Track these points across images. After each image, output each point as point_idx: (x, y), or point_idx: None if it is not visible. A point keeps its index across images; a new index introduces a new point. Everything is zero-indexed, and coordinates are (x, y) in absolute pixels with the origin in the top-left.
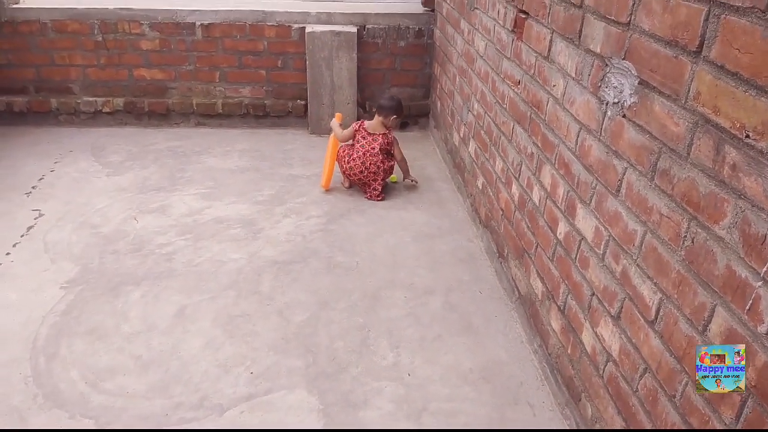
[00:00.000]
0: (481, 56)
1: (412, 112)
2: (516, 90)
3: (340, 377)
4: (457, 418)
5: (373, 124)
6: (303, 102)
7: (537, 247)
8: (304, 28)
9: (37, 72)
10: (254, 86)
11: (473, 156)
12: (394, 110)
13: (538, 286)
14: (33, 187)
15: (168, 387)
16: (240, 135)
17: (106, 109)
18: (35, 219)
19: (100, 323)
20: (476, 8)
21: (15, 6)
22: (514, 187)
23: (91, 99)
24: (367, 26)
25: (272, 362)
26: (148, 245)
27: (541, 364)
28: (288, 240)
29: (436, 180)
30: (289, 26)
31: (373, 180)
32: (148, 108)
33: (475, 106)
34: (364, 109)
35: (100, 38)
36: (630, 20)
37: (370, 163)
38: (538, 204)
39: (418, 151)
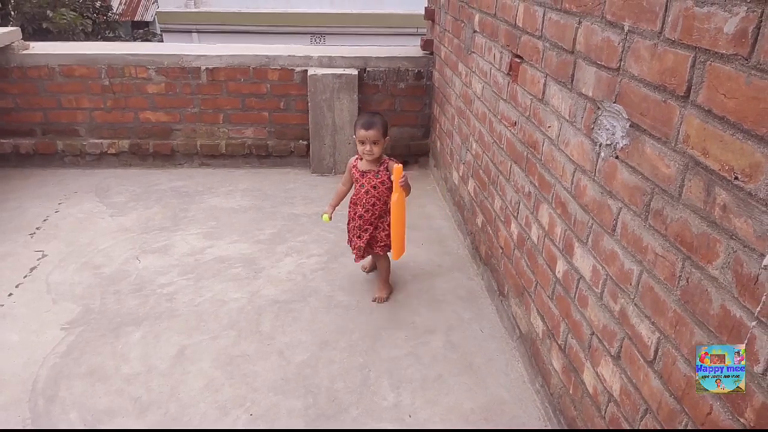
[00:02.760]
0: (479, 97)
1: (413, 151)
2: (513, 131)
3: (340, 418)
4: None
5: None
6: (305, 142)
7: (536, 285)
8: (306, 71)
9: (45, 115)
10: (257, 127)
11: (472, 194)
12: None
13: (538, 325)
14: (37, 228)
15: (167, 429)
16: (243, 175)
17: (112, 151)
18: (38, 260)
19: (100, 364)
20: (473, 52)
21: (25, 52)
22: (513, 226)
23: (96, 141)
24: (367, 69)
25: (272, 403)
26: (150, 285)
27: (543, 405)
28: (289, 279)
29: (436, 218)
30: (291, 69)
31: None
32: (152, 149)
33: (474, 145)
34: None
35: (107, 82)
36: (620, 65)
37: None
38: (536, 242)
39: (419, 190)
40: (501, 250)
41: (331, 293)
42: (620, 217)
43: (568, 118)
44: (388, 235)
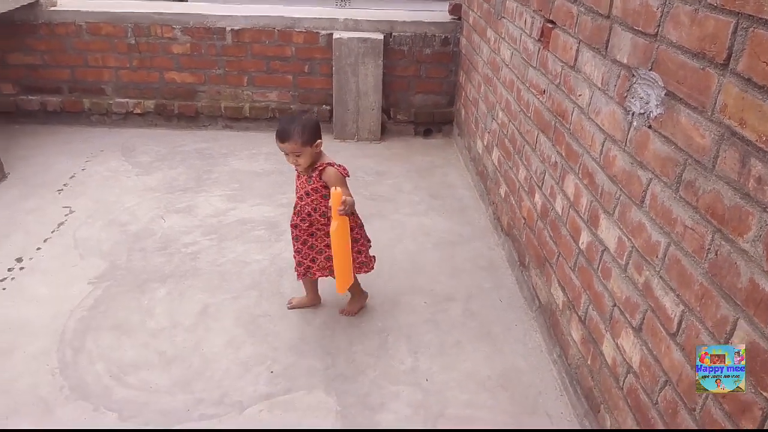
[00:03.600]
0: (507, 65)
1: (436, 120)
2: (541, 99)
3: (358, 380)
4: (474, 425)
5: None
6: (328, 107)
7: (559, 256)
8: (331, 34)
9: (72, 72)
10: (281, 91)
11: (496, 164)
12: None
13: (559, 296)
14: (64, 185)
15: (190, 383)
16: (266, 138)
17: (137, 111)
18: (66, 215)
19: (126, 319)
20: (503, 17)
21: (52, 9)
22: (537, 196)
23: (122, 100)
24: (393, 34)
25: (291, 362)
26: (174, 244)
27: (560, 374)
28: None
29: (458, 187)
30: (317, 32)
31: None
32: (177, 110)
33: (500, 114)
34: (388, 116)
35: (133, 41)
36: (657, 31)
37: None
38: (560, 213)
39: (442, 159)
40: (523, 221)
41: None
42: (650, 188)
43: (600, 86)
44: (330, 259)
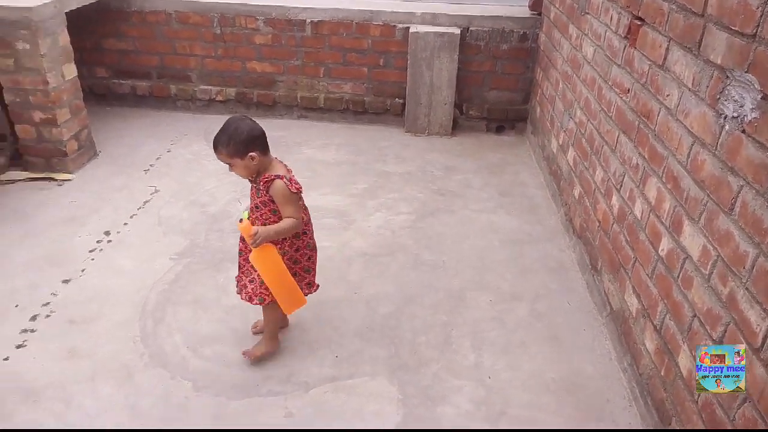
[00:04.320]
0: (589, 62)
1: (510, 116)
2: (624, 98)
3: (420, 371)
4: (536, 426)
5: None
6: (401, 101)
7: (635, 262)
8: (408, 28)
9: (160, 59)
10: (356, 83)
11: (571, 164)
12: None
13: (633, 303)
14: (151, 165)
15: (259, 359)
16: (338, 129)
17: (219, 98)
18: (151, 194)
19: (203, 295)
20: (587, 13)
21: None
22: (614, 199)
23: (206, 87)
24: (470, 28)
25: (356, 349)
26: None
27: (629, 384)
28: (378, 233)
29: (529, 186)
30: (393, 26)
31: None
32: (256, 99)
33: (578, 113)
34: (460, 111)
35: (219, 31)
36: (756, 32)
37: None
38: (639, 218)
39: (513, 156)
40: (598, 224)
41: (418, 251)
42: (740, 196)
43: (690, 86)
44: (257, 284)
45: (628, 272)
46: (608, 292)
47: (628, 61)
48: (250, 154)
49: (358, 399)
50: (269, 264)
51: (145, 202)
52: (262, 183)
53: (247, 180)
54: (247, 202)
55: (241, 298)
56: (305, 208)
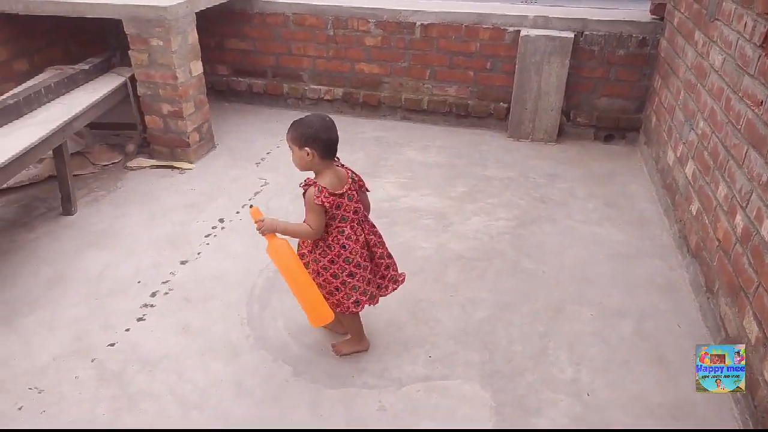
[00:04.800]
0: (716, 71)
1: (621, 125)
2: (756, 111)
3: (515, 380)
4: None
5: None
6: (505, 105)
7: (758, 286)
8: (518, 31)
9: (276, 59)
10: (460, 86)
11: (689, 178)
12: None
13: (752, 330)
14: (262, 159)
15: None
16: (440, 132)
17: (327, 97)
18: (261, 186)
19: None
20: (717, 19)
21: (266, 0)
22: (739, 218)
23: (316, 87)
24: (585, 32)
25: (450, 351)
26: None
27: (742, 415)
28: (475, 237)
29: (639, 199)
30: (503, 29)
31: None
32: (362, 99)
33: (701, 124)
34: (567, 118)
35: (332, 33)
36: None
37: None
38: (767, 239)
39: (622, 167)
40: (717, 243)
41: (517, 258)
42: None
43: None
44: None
45: (749, 297)
46: (725, 316)
47: (762, 72)
48: (307, 148)
49: (450, 401)
50: (284, 259)
51: (256, 193)
52: (303, 184)
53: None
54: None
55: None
56: (367, 226)
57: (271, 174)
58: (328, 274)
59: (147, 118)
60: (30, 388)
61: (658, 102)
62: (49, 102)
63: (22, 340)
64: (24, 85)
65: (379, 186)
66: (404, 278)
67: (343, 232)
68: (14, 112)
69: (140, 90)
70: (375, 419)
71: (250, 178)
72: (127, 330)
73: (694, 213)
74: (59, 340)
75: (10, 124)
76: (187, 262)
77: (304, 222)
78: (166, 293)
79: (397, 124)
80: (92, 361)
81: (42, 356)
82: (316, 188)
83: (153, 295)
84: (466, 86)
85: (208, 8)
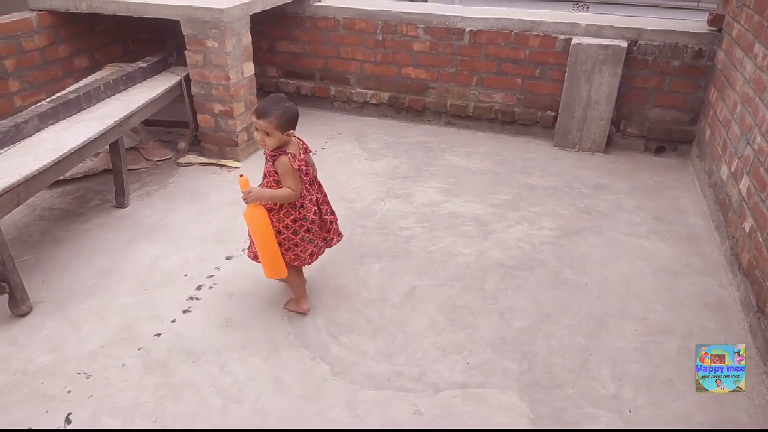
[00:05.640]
0: None
1: (673, 137)
2: None
3: (554, 392)
4: None
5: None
6: (553, 113)
7: None
8: (570, 39)
9: (325, 62)
10: (507, 93)
11: (744, 194)
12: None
13: None
14: None
15: (393, 355)
16: (484, 138)
17: (373, 101)
18: None
19: (345, 285)
20: None
21: (317, 4)
22: None
23: (362, 91)
24: (639, 42)
25: (488, 359)
26: (391, 226)
27: None
28: (517, 246)
29: (690, 214)
30: (555, 37)
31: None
32: (407, 104)
33: (758, 139)
34: (616, 128)
35: (380, 37)
36: None
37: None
38: None
39: (673, 180)
40: None
41: (559, 269)
42: None
43: None
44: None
45: None
46: None
47: None
48: (289, 131)
49: (487, 409)
50: (258, 223)
51: None
52: (270, 155)
53: (260, 147)
54: (388, 201)
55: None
56: (315, 186)
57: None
58: (289, 232)
59: (199, 116)
60: (79, 373)
61: (713, 115)
62: (107, 98)
63: (73, 326)
64: (84, 81)
65: (421, 190)
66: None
67: (302, 193)
68: (74, 107)
69: (194, 89)
70: (410, 423)
71: None
72: (173, 321)
73: (748, 230)
74: (108, 328)
75: (70, 117)
76: (231, 258)
77: (285, 187)
78: (211, 287)
79: (441, 129)
80: (139, 349)
81: (91, 343)
82: (288, 156)
83: (199, 288)
84: (513, 93)
85: (262, 11)
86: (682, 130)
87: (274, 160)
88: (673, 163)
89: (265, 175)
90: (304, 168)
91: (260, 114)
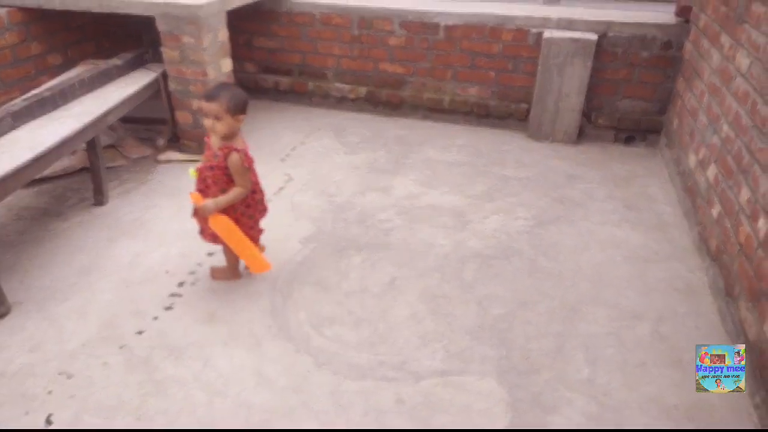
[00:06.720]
0: (743, 75)
1: (642, 127)
2: None
3: (531, 377)
4: None
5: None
6: (526, 106)
7: None
8: (541, 33)
9: (303, 58)
10: (481, 86)
11: (711, 181)
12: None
13: None
14: (287, 155)
15: (375, 345)
16: (460, 131)
17: (351, 96)
18: (286, 182)
19: (326, 278)
20: (745, 21)
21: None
22: (761, 222)
23: (340, 86)
24: (608, 34)
25: (467, 345)
26: (371, 219)
27: (762, 422)
28: (493, 236)
29: (659, 202)
30: (527, 30)
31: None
32: (384, 98)
33: (725, 128)
34: (588, 119)
35: (357, 32)
36: None
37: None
38: None
39: (643, 169)
40: (739, 247)
41: (534, 257)
42: None
43: None
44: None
45: None
46: (744, 321)
47: None
48: (240, 116)
49: (467, 396)
50: (226, 231)
51: (280, 189)
52: (221, 151)
53: (209, 133)
54: (368, 194)
55: (206, 240)
56: (254, 172)
57: (295, 170)
58: (245, 217)
59: (177, 113)
60: (60, 373)
61: (681, 105)
62: (83, 95)
63: (54, 325)
64: (59, 79)
65: (400, 183)
66: None
67: (252, 180)
68: (50, 105)
69: (171, 86)
70: (393, 412)
71: (274, 173)
72: (155, 318)
73: (715, 216)
74: (90, 326)
75: (46, 116)
76: (213, 254)
77: (234, 186)
78: (193, 283)
79: (418, 123)
80: (121, 347)
81: (73, 342)
82: (239, 153)
83: (180, 284)
84: (487, 87)
85: (238, 6)
86: (651, 120)
87: (226, 157)
88: (642, 153)
89: (212, 167)
90: (252, 162)
91: (209, 97)
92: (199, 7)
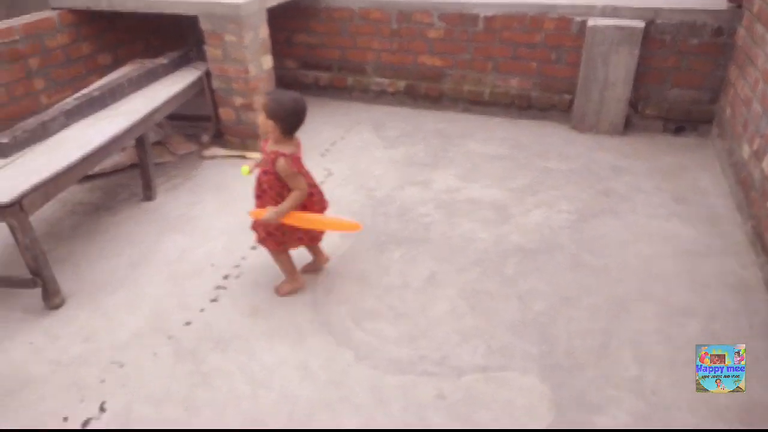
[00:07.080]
0: None
1: (692, 117)
2: None
3: (575, 374)
4: None
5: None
6: (569, 97)
7: None
8: (585, 21)
9: (342, 53)
10: (523, 78)
11: (766, 173)
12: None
13: None
14: (327, 150)
15: (415, 339)
16: (501, 123)
17: (390, 90)
18: (326, 176)
19: (366, 272)
20: None
21: None
22: None
23: (380, 80)
24: (656, 21)
25: (508, 342)
26: (411, 213)
27: None
28: (536, 230)
29: (710, 194)
30: (570, 19)
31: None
32: (424, 91)
33: None
34: (635, 109)
35: (396, 26)
36: None
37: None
38: None
39: (693, 161)
40: None
41: (577, 252)
42: None
43: None
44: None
45: None
46: None
47: None
48: (271, 122)
49: (509, 392)
50: (299, 222)
51: (321, 184)
52: (269, 156)
53: (264, 146)
54: (408, 188)
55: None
56: (308, 175)
57: (335, 165)
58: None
59: (221, 110)
60: (112, 363)
61: (733, 93)
62: (131, 94)
63: (106, 317)
64: (108, 78)
65: (440, 177)
66: None
67: (308, 182)
68: (99, 104)
69: (215, 83)
70: (433, 407)
71: (315, 168)
72: (202, 310)
73: None
74: (139, 318)
75: (95, 114)
76: (256, 248)
77: (293, 189)
78: (237, 276)
79: (458, 115)
80: (169, 338)
81: (124, 332)
82: (285, 158)
83: (225, 277)
84: (529, 78)
85: (278, 4)
86: (702, 109)
87: (275, 163)
88: (692, 144)
89: (266, 172)
90: (302, 167)
91: (264, 103)
92: (240, 5)
